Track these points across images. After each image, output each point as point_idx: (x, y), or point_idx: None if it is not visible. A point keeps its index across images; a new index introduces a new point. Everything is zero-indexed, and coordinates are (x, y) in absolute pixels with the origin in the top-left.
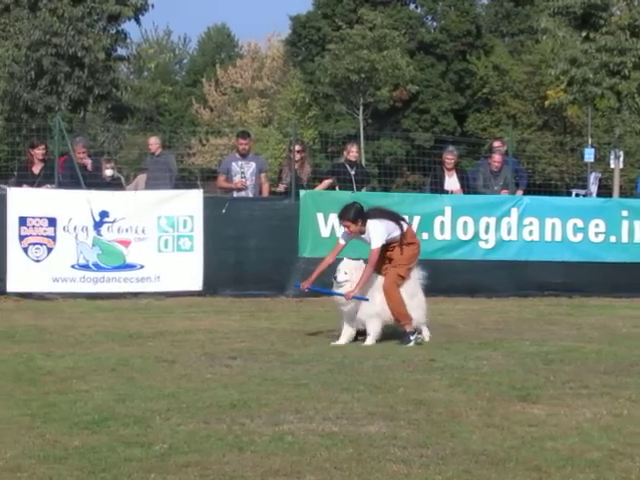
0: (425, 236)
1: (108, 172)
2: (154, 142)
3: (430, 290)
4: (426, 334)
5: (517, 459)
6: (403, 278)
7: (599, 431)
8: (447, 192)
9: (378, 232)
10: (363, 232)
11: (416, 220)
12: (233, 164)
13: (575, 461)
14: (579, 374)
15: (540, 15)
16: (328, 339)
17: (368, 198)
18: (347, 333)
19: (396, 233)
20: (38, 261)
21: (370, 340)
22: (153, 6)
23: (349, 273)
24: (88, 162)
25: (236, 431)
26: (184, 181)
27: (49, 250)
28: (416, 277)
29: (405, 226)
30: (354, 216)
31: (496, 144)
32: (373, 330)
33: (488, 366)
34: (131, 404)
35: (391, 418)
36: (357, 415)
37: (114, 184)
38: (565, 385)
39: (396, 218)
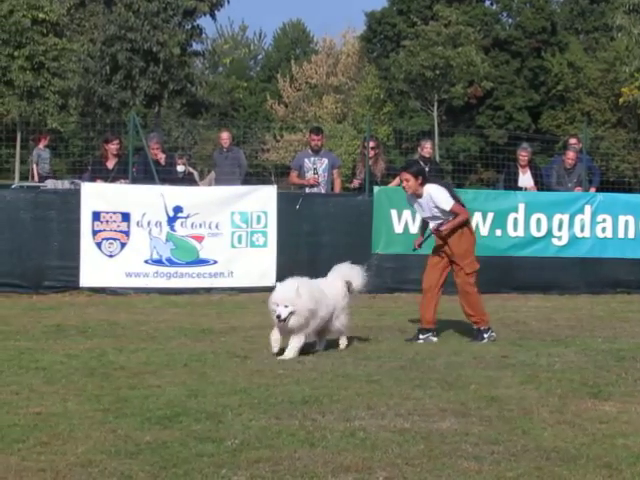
0: (498, 233)
1: (179, 168)
2: (227, 137)
3: (502, 286)
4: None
5: (588, 456)
6: (473, 273)
7: None
8: (521, 189)
9: (442, 195)
10: (420, 195)
11: (489, 217)
12: (305, 160)
13: None
14: None
15: (615, 12)
16: (401, 335)
17: None
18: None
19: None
20: (111, 256)
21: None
22: (229, 2)
23: (291, 304)
24: (162, 157)
25: (308, 427)
26: (258, 177)
27: (122, 245)
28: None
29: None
30: (416, 171)
31: (572, 141)
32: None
33: (560, 363)
34: (203, 399)
35: (463, 415)
36: (429, 411)
37: (188, 179)
38: (637, 382)
39: (454, 195)
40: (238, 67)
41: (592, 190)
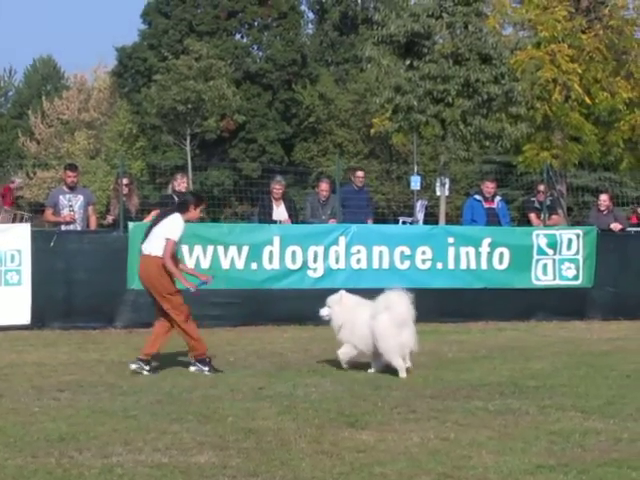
0: (254, 266)
1: None
2: None
3: (259, 319)
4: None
5: None
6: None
7: (427, 455)
8: (275, 222)
9: None
10: None
11: (245, 250)
12: (61, 197)
13: None
14: (407, 399)
15: (365, 44)
16: (159, 369)
17: (197, 229)
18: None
19: None
20: None
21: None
22: None
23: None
24: None
25: (65, 465)
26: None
27: None
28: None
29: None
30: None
31: (358, 174)
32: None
33: (317, 393)
34: None
35: (221, 447)
36: (187, 445)
37: None
38: (393, 410)
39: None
40: None
41: (369, 222)
